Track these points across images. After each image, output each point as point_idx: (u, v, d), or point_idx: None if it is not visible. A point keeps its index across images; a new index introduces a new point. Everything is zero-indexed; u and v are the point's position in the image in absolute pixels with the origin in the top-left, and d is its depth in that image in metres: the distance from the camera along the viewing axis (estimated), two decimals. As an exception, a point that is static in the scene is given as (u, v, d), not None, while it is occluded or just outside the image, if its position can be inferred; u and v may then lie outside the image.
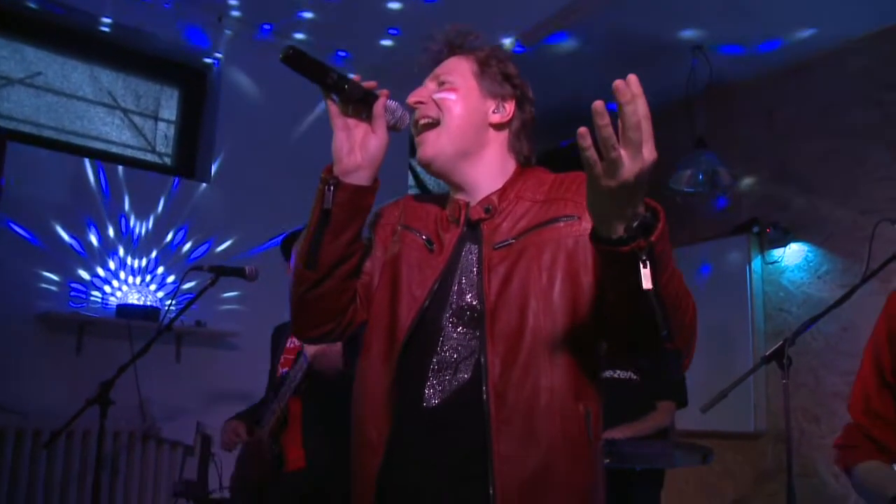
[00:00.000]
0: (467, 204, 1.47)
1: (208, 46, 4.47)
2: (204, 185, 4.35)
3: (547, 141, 5.80)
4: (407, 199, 1.61)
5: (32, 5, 4.00)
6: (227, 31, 4.47)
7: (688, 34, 4.39)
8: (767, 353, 1.87)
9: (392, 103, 1.45)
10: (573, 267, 1.34)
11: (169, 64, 4.53)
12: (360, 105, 1.41)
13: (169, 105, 4.57)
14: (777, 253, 4.54)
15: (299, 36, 4.53)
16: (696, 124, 4.58)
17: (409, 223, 1.53)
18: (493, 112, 1.50)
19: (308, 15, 4.34)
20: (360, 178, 1.41)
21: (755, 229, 4.59)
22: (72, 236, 3.87)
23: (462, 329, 1.37)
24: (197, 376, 4.03)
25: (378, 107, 1.41)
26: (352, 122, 1.42)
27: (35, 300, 3.71)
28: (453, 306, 1.39)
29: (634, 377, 3.76)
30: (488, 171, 1.49)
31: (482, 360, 1.31)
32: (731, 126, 4.84)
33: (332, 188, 1.39)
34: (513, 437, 1.27)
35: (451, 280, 1.41)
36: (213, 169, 4.37)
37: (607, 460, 2.93)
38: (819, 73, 4.47)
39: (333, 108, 1.41)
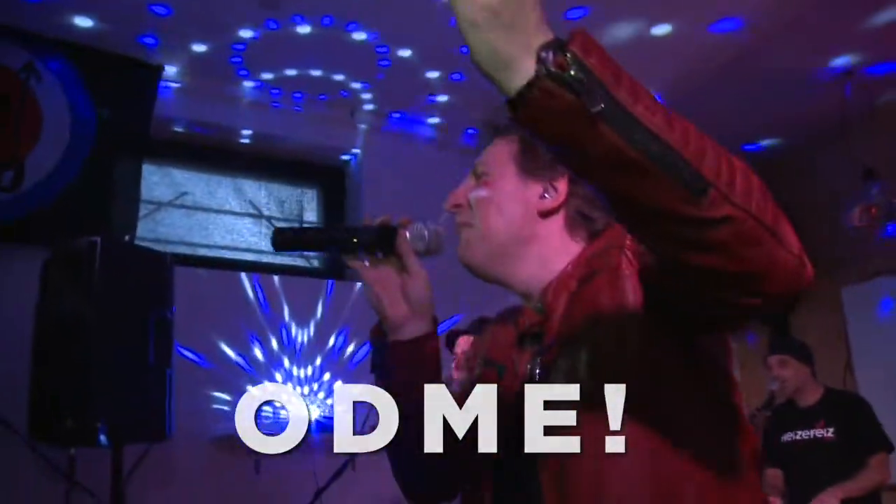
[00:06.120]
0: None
1: (343, 143, 4.44)
2: (359, 284, 4.27)
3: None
4: (497, 317, 1.33)
5: (178, 129, 4.07)
6: (361, 126, 4.43)
7: (838, 61, 4.11)
8: None
9: (417, 228, 1.24)
10: None
11: (307, 166, 4.52)
12: (382, 247, 1.24)
13: (311, 207, 4.54)
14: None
15: (433, 120, 4.47)
16: (859, 154, 4.24)
17: (489, 354, 1.26)
18: (542, 197, 1.18)
19: (441, 98, 4.27)
20: (414, 329, 1.23)
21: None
22: (238, 353, 3.82)
23: None
24: (373, 482, 3.88)
25: (401, 244, 1.22)
26: (382, 270, 1.24)
27: (210, 423, 3.65)
28: None
29: (828, 435, 3.41)
30: (541, 268, 1.17)
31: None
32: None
33: (386, 351, 1.23)
34: None
35: None
36: (366, 267, 4.31)
37: None
38: None
39: (357, 265, 1.25)
